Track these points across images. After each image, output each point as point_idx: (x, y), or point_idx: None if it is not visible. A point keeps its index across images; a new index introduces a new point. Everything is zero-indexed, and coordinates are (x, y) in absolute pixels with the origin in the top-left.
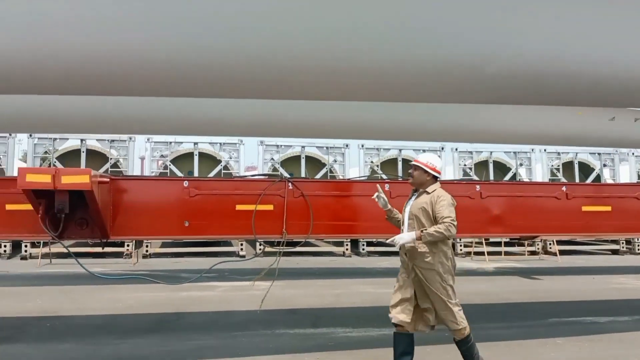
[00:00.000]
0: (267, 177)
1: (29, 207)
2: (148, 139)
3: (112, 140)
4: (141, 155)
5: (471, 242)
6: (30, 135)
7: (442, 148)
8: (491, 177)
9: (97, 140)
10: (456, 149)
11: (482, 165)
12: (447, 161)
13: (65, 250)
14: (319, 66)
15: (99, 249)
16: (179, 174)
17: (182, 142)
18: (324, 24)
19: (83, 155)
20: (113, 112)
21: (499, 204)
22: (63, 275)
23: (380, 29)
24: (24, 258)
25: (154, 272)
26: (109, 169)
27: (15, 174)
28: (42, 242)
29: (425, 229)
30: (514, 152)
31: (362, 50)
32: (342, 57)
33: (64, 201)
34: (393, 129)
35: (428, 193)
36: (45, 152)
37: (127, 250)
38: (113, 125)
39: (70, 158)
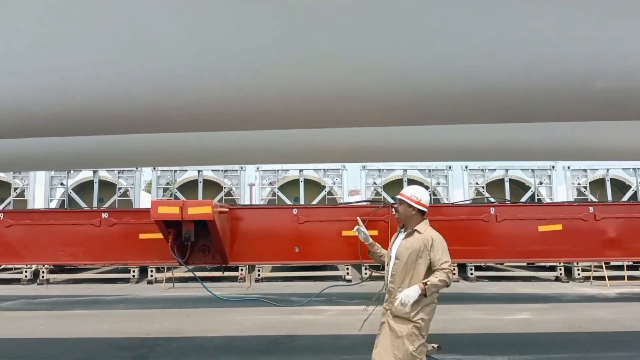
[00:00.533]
0: (370, 203)
1: (159, 235)
2: (257, 168)
3: (226, 171)
4: (250, 183)
5: (590, 267)
6: (154, 169)
7: (553, 167)
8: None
9: (212, 170)
10: (568, 167)
11: (597, 184)
12: (559, 180)
13: (185, 275)
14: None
15: (215, 274)
16: (287, 200)
17: (288, 170)
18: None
19: (200, 185)
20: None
21: (616, 226)
22: (185, 299)
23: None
24: (150, 282)
25: (267, 296)
26: (223, 198)
27: (143, 204)
28: (166, 267)
29: (428, 281)
30: (532, 170)
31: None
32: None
33: (191, 230)
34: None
35: (420, 233)
36: (167, 183)
37: (241, 274)
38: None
39: (188, 188)
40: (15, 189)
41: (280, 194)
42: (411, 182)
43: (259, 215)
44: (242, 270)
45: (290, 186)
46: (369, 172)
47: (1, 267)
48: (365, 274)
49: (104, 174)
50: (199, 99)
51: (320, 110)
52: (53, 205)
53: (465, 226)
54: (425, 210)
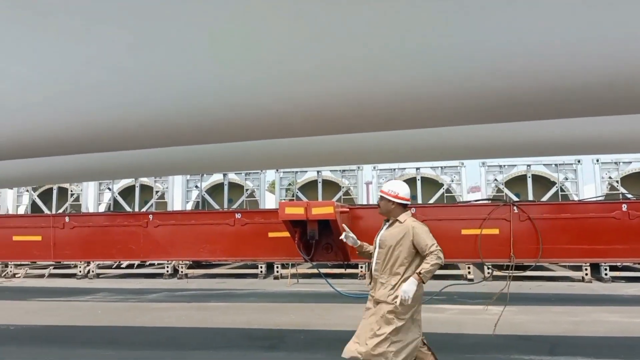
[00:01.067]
0: (490, 201)
1: (286, 234)
2: (374, 167)
3: (343, 171)
4: (367, 181)
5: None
6: (277, 170)
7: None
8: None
9: (330, 171)
10: (597, 160)
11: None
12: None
13: (308, 271)
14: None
15: (336, 270)
16: None
17: (405, 168)
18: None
19: (319, 185)
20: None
21: None
22: (309, 294)
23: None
24: (276, 278)
25: None
26: (342, 197)
27: (267, 204)
28: (290, 264)
29: (422, 269)
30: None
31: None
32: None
33: (315, 229)
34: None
35: (400, 223)
36: (289, 184)
37: (361, 272)
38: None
39: (308, 188)
40: (157, 192)
41: None
42: (535, 177)
43: (376, 214)
44: (362, 267)
45: (408, 184)
46: (489, 169)
47: (147, 263)
48: (488, 273)
49: (232, 176)
50: (319, 104)
51: (429, 109)
52: (189, 206)
53: (595, 224)
54: (404, 202)
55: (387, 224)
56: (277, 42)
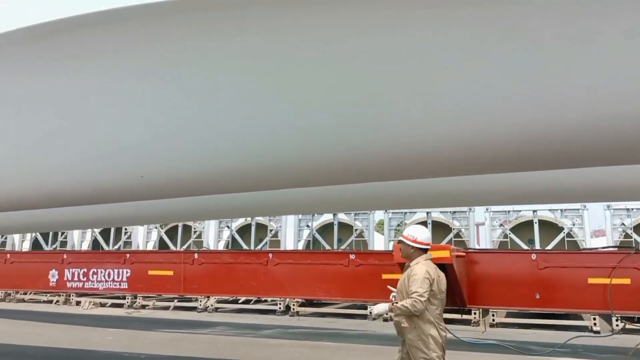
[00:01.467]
0: (618, 248)
1: (399, 276)
2: (487, 209)
3: (454, 212)
4: (477, 222)
5: None
6: (386, 211)
7: None
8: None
9: (440, 212)
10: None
11: None
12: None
13: None
14: None
15: (447, 315)
16: (520, 243)
17: (520, 211)
18: None
19: (429, 227)
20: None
21: None
22: None
23: None
24: (386, 320)
25: (503, 342)
26: (452, 239)
27: (376, 245)
28: None
29: (397, 303)
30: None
31: None
32: None
33: None
34: None
35: (410, 267)
36: (398, 225)
37: (474, 318)
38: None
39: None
40: (271, 230)
41: (512, 235)
42: None
43: (495, 259)
44: (475, 313)
45: (522, 227)
46: (614, 212)
47: (262, 299)
48: (617, 325)
49: (342, 216)
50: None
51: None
52: (301, 245)
53: None
54: (425, 247)
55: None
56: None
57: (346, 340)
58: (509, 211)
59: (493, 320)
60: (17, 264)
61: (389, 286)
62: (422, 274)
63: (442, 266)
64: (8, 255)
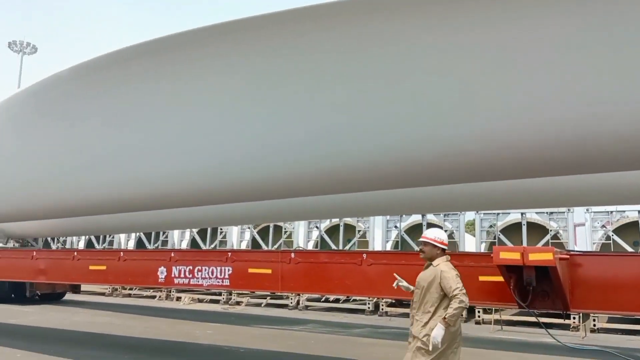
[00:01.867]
0: None
1: (497, 278)
2: (587, 209)
3: (551, 213)
4: (576, 223)
5: None
6: (477, 212)
7: None
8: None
9: (536, 213)
10: None
11: None
12: None
13: (512, 319)
14: None
15: (542, 319)
16: (625, 245)
17: (624, 211)
18: None
19: (524, 228)
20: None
21: None
22: (515, 342)
23: None
24: (477, 323)
25: (606, 348)
26: (550, 241)
27: (467, 246)
28: (493, 309)
29: (447, 314)
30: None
31: None
32: None
33: (532, 276)
34: None
35: (434, 266)
36: (490, 226)
37: (574, 322)
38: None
39: (510, 230)
40: (359, 231)
41: (615, 237)
42: None
43: (602, 262)
44: (574, 318)
45: (627, 229)
46: None
47: (351, 299)
48: None
49: (431, 217)
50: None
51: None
52: (389, 245)
53: None
54: (446, 248)
55: (425, 267)
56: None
57: None
58: (611, 212)
59: (594, 325)
60: (130, 261)
61: (395, 274)
62: (453, 272)
63: (543, 269)
64: (121, 253)
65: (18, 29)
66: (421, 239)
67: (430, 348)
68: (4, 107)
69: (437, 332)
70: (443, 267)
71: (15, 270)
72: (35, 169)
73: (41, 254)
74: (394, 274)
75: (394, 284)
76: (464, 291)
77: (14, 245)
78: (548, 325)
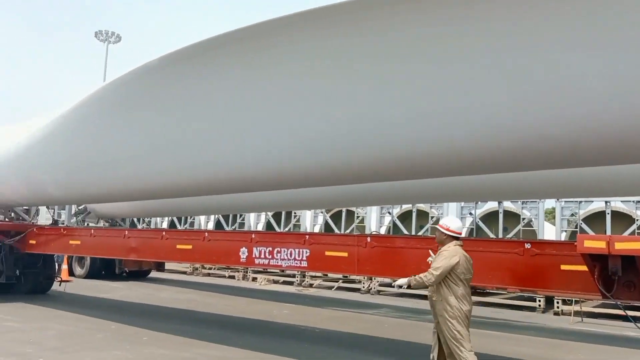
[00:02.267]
0: None
1: (580, 267)
2: None
3: (638, 202)
4: None
5: None
6: (557, 200)
7: None
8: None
9: (621, 201)
10: None
11: None
12: None
13: (594, 310)
14: None
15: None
16: None
17: None
18: None
19: (608, 217)
20: None
21: None
22: (596, 334)
23: None
24: (556, 314)
25: None
26: (636, 231)
27: (546, 234)
28: (573, 300)
29: (415, 275)
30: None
31: None
32: None
33: (618, 265)
34: None
35: (440, 251)
36: (572, 214)
37: None
38: None
39: (593, 219)
40: (432, 217)
41: None
42: None
43: None
44: None
45: None
46: None
47: None
48: None
49: (507, 204)
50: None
51: None
52: (463, 232)
53: None
54: (455, 235)
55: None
56: None
57: (514, 331)
58: None
59: None
60: (213, 241)
61: (430, 250)
62: (445, 254)
63: (630, 259)
64: (206, 233)
65: (102, 18)
66: (436, 226)
67: (392, 284)
68: (95, 96)
69: (401, 281)
70: (446, 248)
71: (108, 247)
72: (125, 154)
73: (132, 233)
74: (429, 250)
75: (428, 259)
76: (437, 273)
77: (104, 225)
78: (634, 318)
